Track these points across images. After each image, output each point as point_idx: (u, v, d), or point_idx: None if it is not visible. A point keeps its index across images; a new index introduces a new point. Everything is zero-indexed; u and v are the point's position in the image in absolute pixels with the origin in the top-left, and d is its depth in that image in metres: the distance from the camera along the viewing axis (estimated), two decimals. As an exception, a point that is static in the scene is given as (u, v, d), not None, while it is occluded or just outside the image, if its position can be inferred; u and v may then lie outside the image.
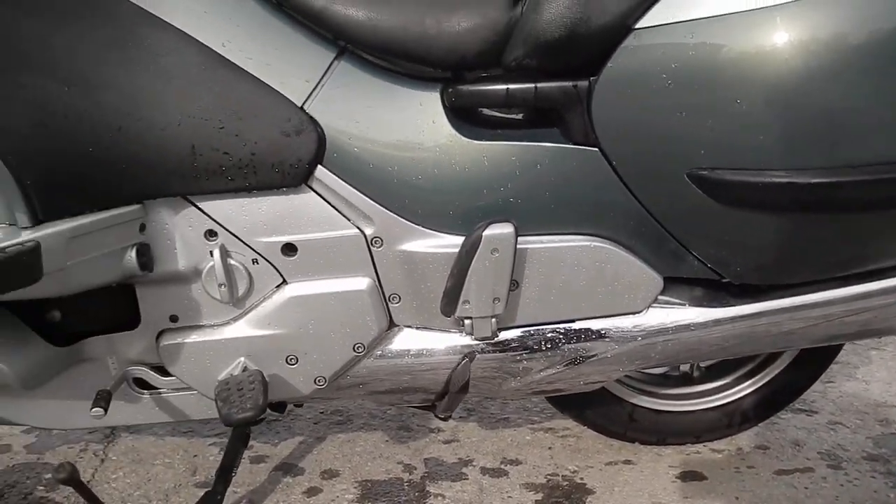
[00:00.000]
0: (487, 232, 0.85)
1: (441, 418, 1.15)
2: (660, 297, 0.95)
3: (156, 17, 0.82)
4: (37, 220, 0.73)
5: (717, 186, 0.82)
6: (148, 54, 0.81)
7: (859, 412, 1.38)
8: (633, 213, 0.88)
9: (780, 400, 1.25)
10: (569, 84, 0.83)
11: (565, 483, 1.17)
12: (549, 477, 1.19)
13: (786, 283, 0.96)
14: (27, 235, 0.71)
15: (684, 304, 0.96)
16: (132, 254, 0.85)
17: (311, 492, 1.14)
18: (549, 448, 1.27)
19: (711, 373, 1.25)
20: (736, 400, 1.23)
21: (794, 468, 1.20)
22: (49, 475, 1.18)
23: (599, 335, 0.96)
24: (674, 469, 1.20)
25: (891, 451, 1.24)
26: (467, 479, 1.18)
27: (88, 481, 1.15)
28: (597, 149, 0.85)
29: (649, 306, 0.95)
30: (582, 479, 1.18)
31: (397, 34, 0.84)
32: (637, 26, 0.78)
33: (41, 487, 1.14)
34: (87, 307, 0.89)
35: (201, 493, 1.11)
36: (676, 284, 0.96)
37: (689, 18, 0.77)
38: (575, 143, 0.86)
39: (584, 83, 0.83)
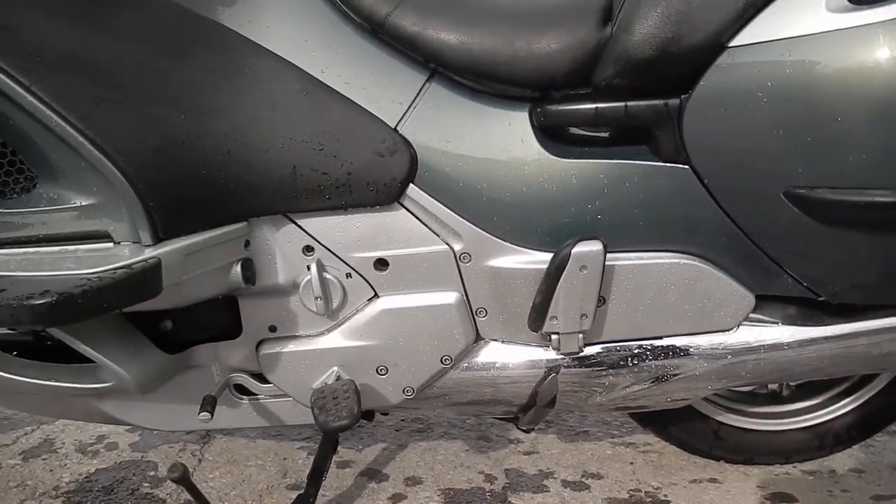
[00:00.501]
0: (576, 249, 0.86)
1: (523, 430, 1.16)
2: (751, 315, 0.94)
3: (261, 47, 0.88)
4: (158, 239, 0.79)
5: (816, 205, 0.80)
6: (254, 82, 0.87)
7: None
8: (725, 230, 0.87)
9: (876, 422, 1.20)
10: (659, 102, 0.84)
11: (648, 499, 1.16)
12: (631, 493, 1.18)
13: (885, 303, 0.93)
14: (150, 253, 0.77)
15: (777, 323, 0.95)
16: (237, 268, 0.90)
17: (397, 498, 1.17)
18: (631, 463, 1.27)
19: (802, 392, 1.21)
20: (828, 420, 1.19)
21: (893, 494, 1.15)
22: (153, 473, 1.25)
23: (687, 352, 0.95)
24: (762, 490, 1.17)
25: None
26: (548, 491, 1.19)
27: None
28: (687, 166, 0.85)
29: (740, 324, 0.94)
30: (665, 496, 1.17)
31: (488, 57, 0.86)
32: (731, 44, 0.78)
33: (146, 484, 1.22)
34: (195, 317, 0.95)
35: (292, 494, 1.16)
36: (769, 302, 0.94)
37: (786, 36, 0.76)
38: (665, 161, 0.86)
39: (674, 101, 0.83)
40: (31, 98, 0.72)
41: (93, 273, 0.73)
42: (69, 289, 0.70)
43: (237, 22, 0.87)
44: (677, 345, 0.95)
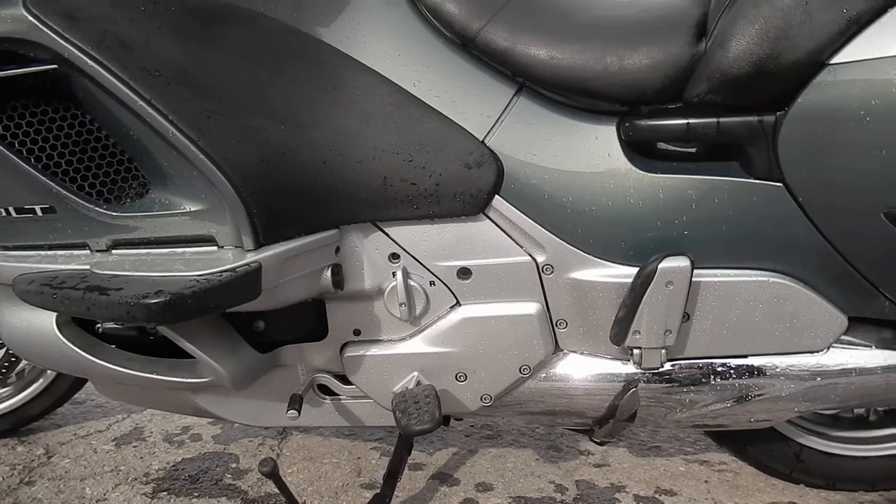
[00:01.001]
0: (663, 264, 0.86)
1: (597, 443, 1.16)
2: (843, 338, 0.91)
3: (357, 62, 0.91)
4: (258, 244, 0.83)
5: (920, 227, 0.78)
6: (349, 95, 0.90)
7: None
8: (818, 249, 0.85)
9: None
10: (753, 119, 0.83)
11: (724, 520, 1.14)
12: (707, 512, 1.16)
13: None
14: (252, 257, 0.82)
15: (870, 346, 0.92)
16: (328, 273, 0.94)
17: (468, 503, 1.19)
18: (706, 482, 1.24)
19: (891, 418, 1.17)
20: (920, 449, 1.14)
21: None
22: (235, 465, 1.31)
23: (774, 373, 0.93)
24: (847, 517, 1.14)
25: None
26: (620, 506, 1.18)
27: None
28: (781, 184, 0.83)
29: (830, 346, 0.92)
30: (743, 517, 1.14)
31: (578, 72, 0.87)
32: (832, 62, 0.77)
33: (229, 475, 1.27)
34: (284, 318, 0.99)
35: (367, 493, 1.20)
36: (862, 325, 0.91)
37: (892, 54, 0.74)
38: (757, 178, 0.85)
39: (769, 118, 0.82)
40: (151, 111, 0.77)
41: (201, 275, 0.77)
42: (180, 289, 0.74)
43: (335, 38, 0.91)
44: (763, 364, 0.94)
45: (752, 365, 0.94)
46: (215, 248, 0.86)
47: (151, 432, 1.45)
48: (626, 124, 0.89)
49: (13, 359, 1.35)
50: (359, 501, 1.18)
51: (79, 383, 1.41)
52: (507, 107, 0.93)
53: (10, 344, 0.99)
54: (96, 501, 1.19)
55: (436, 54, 0.93)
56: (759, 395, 0.95)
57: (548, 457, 1.34)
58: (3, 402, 1.39)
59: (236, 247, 0.85)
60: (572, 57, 0.87)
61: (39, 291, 0.81)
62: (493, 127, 0.92)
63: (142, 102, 0.77)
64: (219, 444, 1.40)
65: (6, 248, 0.91)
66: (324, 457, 1.34)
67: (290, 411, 0.97)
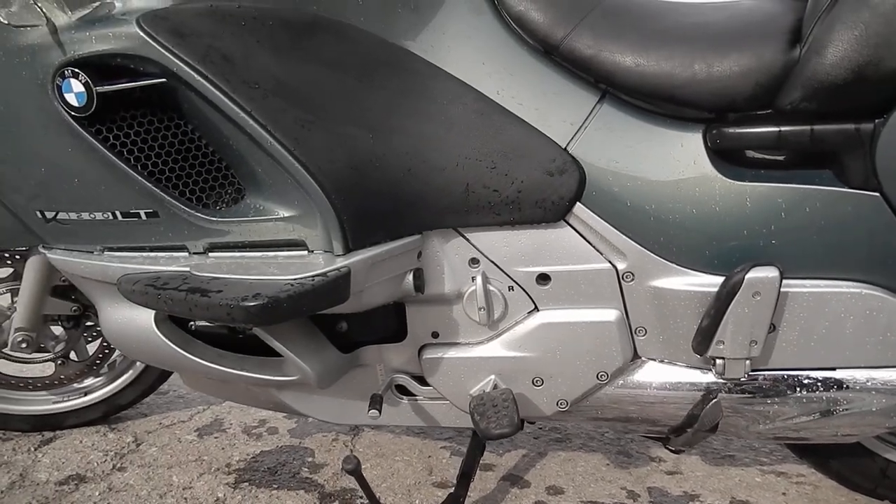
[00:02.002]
0: (750, 275, 0.84)
1: (671, 451, 1.14)
2: (940, 351, 0.88)
3: (442, 70, 0.93)
4: (348, 249, 0.86)
5: None
6: (434, 104, 0.92)
7: None
8: (913, 259, 0.82)
9: None
10: (850, 127, 0.80)
11: (804, 534, 1.11)
12: (784, 525, 1.13)
13: None
14: (341, 262, 0.84)
15: (969, 362, 0.88)
16: (409, 277, 0.95)
17: (539, 505, 1.19)
18: (783, 494, 1.21)
19: None
20: None
21: None
22: (311, 458, 1.35)
23: (864, 387, 0.90)
24: (935, 537, 1.09)
25: None
26: (694, 514, 1.16)
27: (342, 468, 1.31)
28: (878, 193, 0.81)
29: (926, 361, 0.88)
30: (823, 532, 1.11)
31: (664, 79, 0.86)
32: (940, 68, 0.74)
33: (305, 469, 1.31)
34: (366, 320, 1.02)
35: (438, 492, 1.21)
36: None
37: None
38: (852, 187, 0.83)
39: (867, 126, 0.79)
40: (251, 122, 0.80)
41: (295, 279, 0.80)
42: (276, 293, 0.77)
43: (421, 47, 0.92)
44: (852, 377, 0.91)
45: (840, 378, 0.91)
46: (306, 252, 0.89)
47: (231, 424, 1.51)
48: (714, 131, 0.88)
49: (107, 350, 1.43)
50: (431, 500, 1.20)
51: (165, 375, 1.47)
52: (590, 114, 0.92)
53: (109, 338, 1.05)
54: (183, 489, 1.24)
55: (519, 62, 0.94)
56: (846, 410, 0.92)
57: (618, 462, 1.33)
58: (96, 391, 1.47)
59: (326, 251, 0.88)
60: (658, 63, 0.86)
61: (144, 291, 0.85)
62: (575, 134, 0.92)
63: (242, 114, 0.80)
64: (294, 437, 1.44)
65: (111, 249, 0.97)
66: (395, 454, 1.36)
67: (371, 411, 1.00)
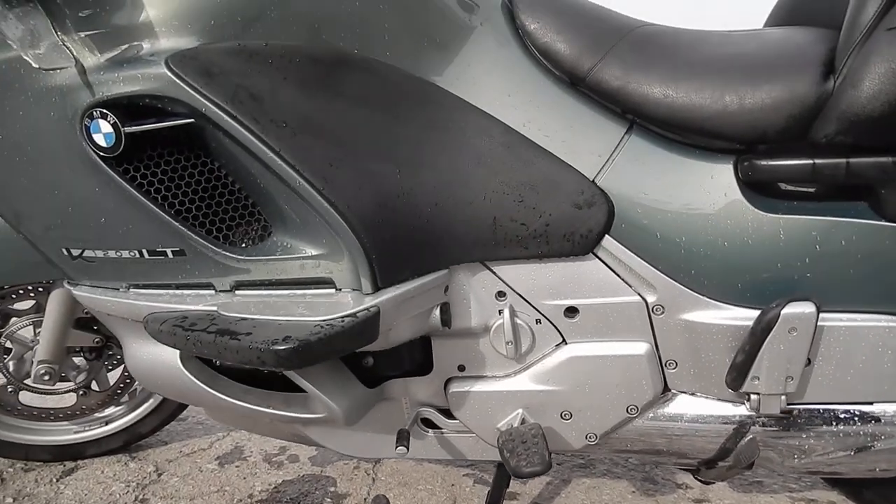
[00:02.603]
0: (786, 310, 0.83)
1: (702, 482, 1.12)
2: (981, 385, 0.85)
3: (468, 104, 0.91)
4: (376, 287, 0.85)
5: None
6: (461, 137, 0.90)
7: None
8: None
9: None
10: (887, 160, 0.78)
11: (837, 566, 1.08)
12: (817, 556, 1.11)
13: None
14: (371, 301, 0.83)
15: None
16: (436, 312, 0.94)
17: (566, 537, 1.17)
18: (813, 522, 1.19)
19: None
20: None
21: None
22: (333, 488, 1.33)
23: (903, 421, 0.88)
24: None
25: None
26: (724, 545, 1.14)
27: (365, 498, 1.29)
28: (916, 227, 0.79)
29: (966, 395, 0.86)
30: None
31: (694, 111, 0.85)
32: (982, 100, 0.72)
33: (328, 499, 1.30)
34: (392, 354, 1.00)
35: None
36: None
37: None
38: (889, 220, 0.81)
39: (904, 158, 0.78)
40: (280, 161, 0.79)
41: (324, 321, 0.79)
42: (307, 336, 0.76)
43: (447, 80, 0.91)
44: (891, 412, 0.89)
45: (877, 412, 0.89)
46: (333, 290, 0.87)
47: (251, 452, 1.50)
48: (745, 163, 0.86)
49: (128, 380, 1.42)
50: (457, 531, 1.18)
51: (185, 404, 1.46)
52: (618, 145, 0.91)
53: (134, 374, 1.04)
54: (206, 522, 1.23)
55: (545, 93, 0.93)
56: (884, 445, 0.90)
57: (644, 489, 1.31)
58: (117, 420, 1.46)
59: (354, 290, 0.86)
60: (688, 95, 0.85)
61: (172, 332, 0.84)
62: (603, 166, 0.91)
63: (271, 153, 0.80)
64: (315, 465, 1.42)
65: (137, 286, 0.96)
66: (418, 482, 1.34)
67: (399, 448, 0.98)
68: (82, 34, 0.81)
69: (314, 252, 0.87)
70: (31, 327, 1.32)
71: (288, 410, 0.97)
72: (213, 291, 0.91)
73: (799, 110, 0.81)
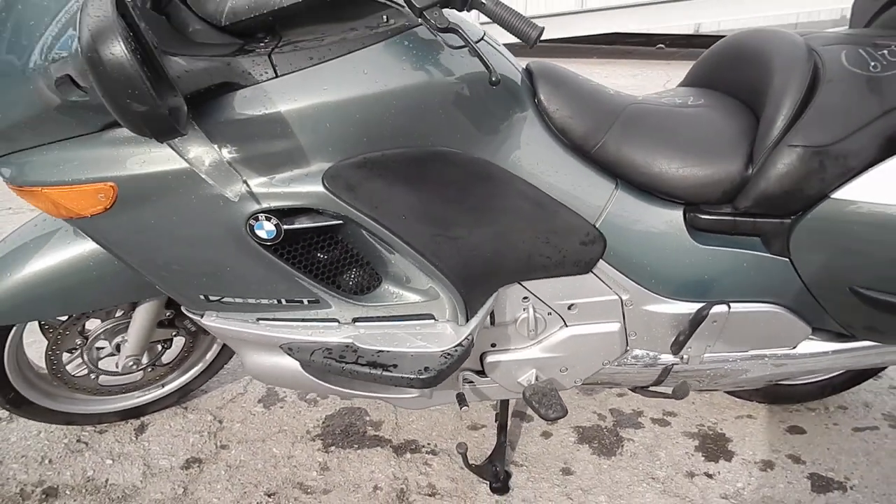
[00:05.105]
0: (713, 310, 1.30)
1: (642, 395, 1.64)
2: (808, 338, 1.41)
3: (511, 173, 1.21)
4: (467, 319, 1.20)
5: (866, 299, 1.24)
6: (508, 200, 1.22)
7: (911, 378, 1.87)
8: (804, 298, 1.31)
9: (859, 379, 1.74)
10: (777, 221, 1.24)
11: (710, 432, 1.69)
12: (698, 426, 1.71)
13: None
14: (467, 331, 1.18)
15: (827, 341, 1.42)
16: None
17: (546, 435, 1.68)
18: (693, 403, 1.79)
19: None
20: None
21: (866, 426, 1.71)
22: (368, 417, 1.72)
23: (762, 360, 1.43)
24: (783, 424, 1.72)
25: (934, 414, 1.74)
26: (644, 427, 1.71)
27: (395, 423, 1.70)
28: (788, 259, 1.27)
29: (797, 345, 1.41)
30: (721, 429, 1.70)
31: (660, 177, 1.23)
32: (833, 196, 1.17)
33: (370, 428, 1.68)
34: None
35: (474, 433, 1.65)
36: (820, 332, 1.40)
37: (866, 200, 1.15)
38: (773, 254, 1.28)
39: (787, 221, 1.23)
40: (402, 243, 1.08)
41: (445, 351, 1.14)
42: (440, 365, 1.11)
43: (496, 156, 1.19)
44: (759, 355, 1.43)
45: (751, 356, 1.43)
46: (433, 321, 1.21)
47: (284, 392, 1.83)
48: (691, 214, 1.28)
49: (186, 354, 1.66)
50: (470, 441, 1.64)
51: (228, 360, 1.74)
52: (609, 198, 1.28)
53: (257, 377, 1.32)
54: (287, 458, 1.58)
55: (562, 161, 1.25)
56: (753, 373, 1.45)
57: (584, 391, 1.84)
58: (172, 383, 1.71)
59: (449, 321, 1.21)
60: (658, 166, 1.22)
61: (325, 364, 1.15)
62: (600, 214, 1.28)
63: (397, 238, 1.08)
64: (344, 400, 1.79)
65: (264, 319, 1.22)
66: (432, 414, 1.76)
67: (463, 407, 1.38)
68: (246, 157, 1.01)
69: (416, 298, 1.19)
70: (111, 330, 1.51)
71: (385, 392, 1.32)
72: (337, 324, 1.21)
73: (728, 187, 1.22)
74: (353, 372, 1.14)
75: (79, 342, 1.48)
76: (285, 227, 1.05)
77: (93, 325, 1.50)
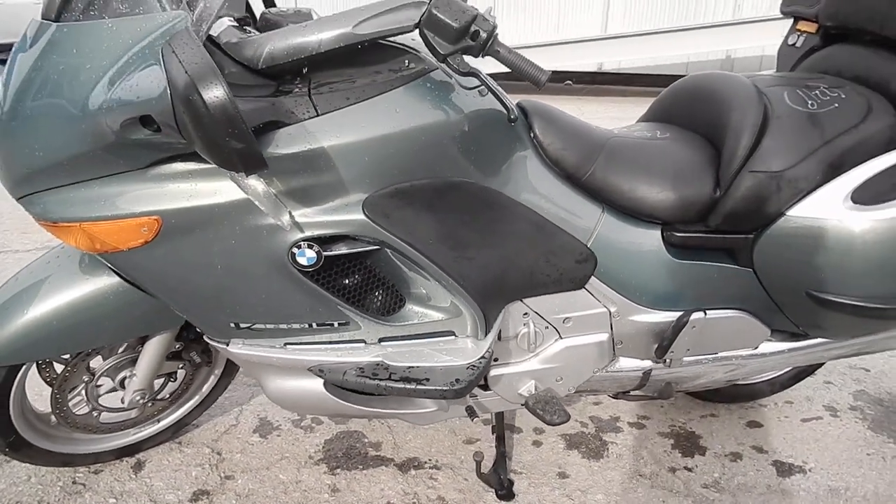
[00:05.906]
0: (692, 317, 1.46)
1: (626, 400, 1.78)
2: (766, 340, 1.59)
3: (512, 199, 1.34)
4: (486, 335, 1.30)
5: (822, 302, 1.43)
6: (513, 224, 1.34)
7: (840, 373, 2.11)
8: (766, 303, 1.50)
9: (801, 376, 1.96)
10: (742, 236, 1.42)
11: (681, 431, 1.85)
12: (670, 426, 1.87)
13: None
14: (486, 345, 1.28)
15: (783, 341, 1.61)
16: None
17: (536, 443, 1.78)
18: (662, 406, 1.95)
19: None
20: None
21: (811, 417, 1.92)
22: (367, 439, 1.77)
23: (730, 362, 1.60)
24: (742, 419, 1.90)
25: (864, 403, 1.98)
26: (623, 430, 1.85)
27: (394, 443, 1.76)
28: (751, 269, 1.45)
29: (759, 345, 1.60)
30: (690, 428, 1.86)
31: (640, 201, 1.39)
32: (788, 213, 1.37)
33: (370, 448, 1.73)
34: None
35: (471, 447, 1.74)
36: (780, 333, 1.59)
37: (814, 216, 1.35)
38: (739, 266, 1.46)
39: (750, 236, 1.41)
40: (432, 265, 1.18)
41: (470, 363, 1.23)
42: (468, 378, 1.20)
43: (503, 185, 1.32)
44: (727, 357, 1.60)
45: (720, 357, 1.60)
46: (454, 336, 1.30)
47: (277, 420, 1.84)
48: (668, 232, 1.44)
49: (184, 388, 1.66)
50: (466, 455, 1.72)
51: (221, 393, 1.75)
52: (598, 221, 1.42)
53: (279, 402, 1.36)
54: (296, 483, 1.61)
55: (556, 189, 1.39)
56: (715, 372, 1.62)
57: (564, 401, 1.96)
58: (167, 418, 1.70)
59: (468, 336, 1.30)
60: (639, 191, 1.38)
61: (360, 381, 1.21)
62: (591, 235, 1.42)
63: (426, 259, 1.18)
64: (338, 424, 1.83)
65: (290, 343, 1.27)
66: (431, 430, 1.83)
67: (473, 419, 1.47)
68: (290, 189, 1.08)
69: (439, 316, 1.28)
70: (116, 366, 1.50)
71: (401, 409, 1.39)
72: (364, 344, 1.28)
73: (699, 208, 1.40)
74: (387, 388, 1.21)
75: (86, 379, 1.47)
76: (325, 253, 1.13)
77: (96, 363, 1.49)
